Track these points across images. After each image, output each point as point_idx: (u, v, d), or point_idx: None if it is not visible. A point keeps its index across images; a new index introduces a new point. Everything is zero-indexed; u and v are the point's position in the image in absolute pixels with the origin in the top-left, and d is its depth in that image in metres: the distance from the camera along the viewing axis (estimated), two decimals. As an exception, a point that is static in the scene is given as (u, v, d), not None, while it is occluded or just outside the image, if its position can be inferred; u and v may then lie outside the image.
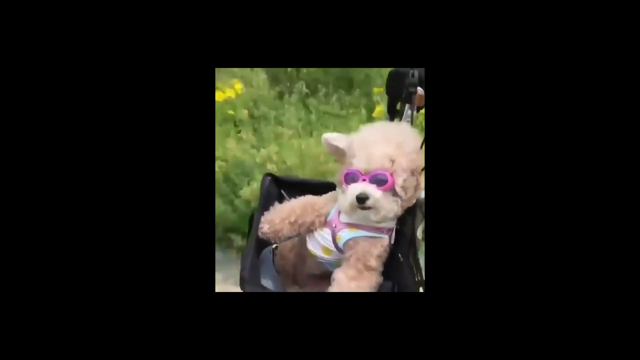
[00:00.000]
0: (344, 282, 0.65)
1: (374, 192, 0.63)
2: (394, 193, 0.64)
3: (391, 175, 0.64)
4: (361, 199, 0.63)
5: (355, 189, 0.63)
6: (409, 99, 0.72)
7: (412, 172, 0.64)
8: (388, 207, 0.64)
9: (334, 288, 0.66)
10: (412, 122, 0.72)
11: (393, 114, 0.77)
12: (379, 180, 0.63)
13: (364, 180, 0.64)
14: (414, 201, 0.66)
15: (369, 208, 0.63)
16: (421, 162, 0.64)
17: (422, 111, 0.75)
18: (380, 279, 0.65)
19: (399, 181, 0.63)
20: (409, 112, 0.73)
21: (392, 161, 0.64)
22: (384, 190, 0.63)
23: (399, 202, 0.64)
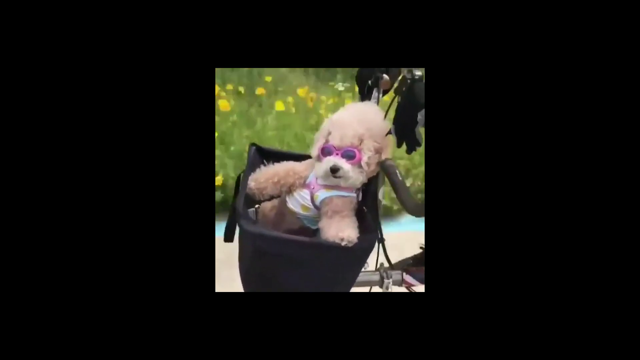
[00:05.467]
0: (328, 226, 0.77)
1: (344, 165, 0.78)
2: (360, 166, 0.79)
3: (359, 152, 0.78)
4: (334, 170, 0.78)
5: (329, 161, 0.78)
6: (376, 83, 0.92)
7: (376, 151, 0.79)
8: (355, 177, 0.79)
9: (324, 233, 0.77)
10: (377, 103, 0.92)
11: (363, 96, 0.95)
12: (348, 155, 0.78)
13: (337, 154, 0.79)
14: (376, 172, 0.82)
15: (339, 177, 0.78)
16: (385, 141, 0.80)
17: (387, 96, 0.92)
18: (355, 223, 0.79)
19: (364, 158, 0.78)
20: (376, 94, 0.92)
21: (361, 140, 0.78)
22: (352, 164, 0.78)
23: (364, 173, 0.80)
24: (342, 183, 0.80)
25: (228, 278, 1.00)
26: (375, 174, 0.82)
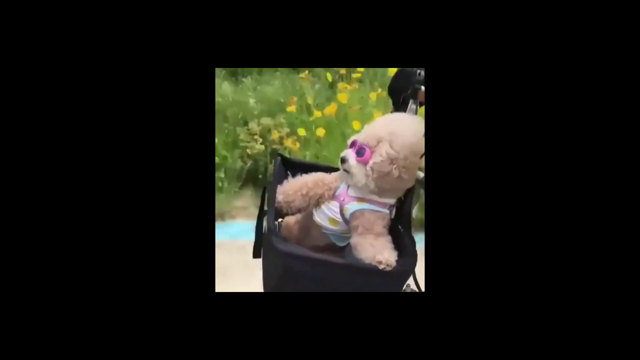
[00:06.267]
0: (364, 245, 0.73)
1: (351, 159, 0.75)
2: (367, 167, 0.74)
3: (371, 152, 0.73)
4: (342, 160, 0.76)
5: (345, 152, 0.77)
6: (414, 94, 0.82)
7: (391, 160, 0.72)
8: (358, 176, 0.74)
9: (358, 252, 0.73)
10: (415, 114, 0.83)
11: (398, 107, 0.86)
12: (359, 152, 0.74)
13: (353, 148, 0.76)
14: (392, 185, 0.75)
15: (346, 171, 0.75)
16: (408, 155, 0.73)
17: (422, 108, 0.85)
18: (391, 243, 0.74)
19: (371, 160, 0.73)
20: (414, 106, 0.83)
21: (378, 142, 0.73)
22: (359, 161, 0.74)
23: (370, 177, 0.73)
24: (349, 180, 0.77)
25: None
26: (390, 186, 0.75)
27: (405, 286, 0.82)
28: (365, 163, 0.74)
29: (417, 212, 0.87)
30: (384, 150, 0.72)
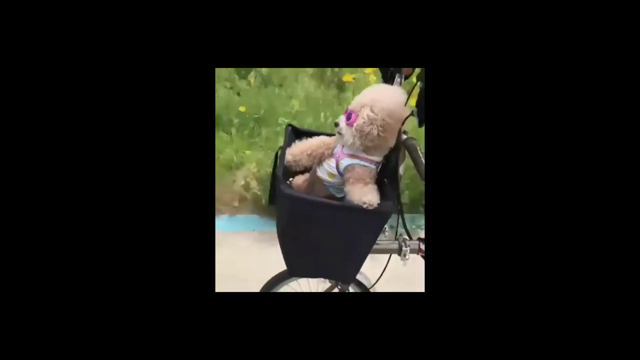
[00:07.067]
0: (354, 190, 0.87)
1: (342, 123, 0.91)
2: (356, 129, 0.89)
3: (356, 116, 0.88)
4: (335, 123, 0.92)
5: (339, 117, 0.92)
6: (398, 69, 1.01)
7: (371, 121, 0.86)
8: (347, 136, 0.89)
9: (349, 196, 0.88)
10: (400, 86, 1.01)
11: (386, 81, 1.04)
12: (348, 116, 0.89)
13: (345, 114, 0.91)
14: (375, 143, 0.89)
15: (339, 133, 0.91)
16: (388, 118, 0.87)
17: (409, 80, 1.04)
18: (376, 189, 0.89)
19: (357, 122, 0.88)
20: (398, 80, 1.02)
21: (362, 107, 0.88)
22: (348, 125, 0.89)
23: (356, 136, 0.88)
24: (341, 140, 0.91)
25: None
26: (373, 144, 0.89)
27: (397, 235, 0.95)
28: (351, 125, 0.88)
29: (403, 170, 1.03)
30: (365, 114, 0.87)
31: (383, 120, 0.87)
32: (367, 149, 0.90)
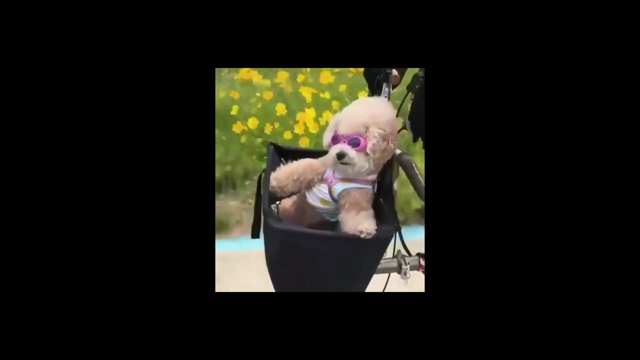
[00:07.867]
0: (348, 218, 0.82)
1: (350, 152, 0.81)
2: (366, 153, 0.82)
3: (364, 139, 0.81)
4: (340, 156, 0.81)
5: (337, 148, 0.82)
6: (387, 78, 0.95)
7: (383, 138, 0.82)
8: (361, 163, 0.82)
9: (343, 225, 0.83)
10: (389, 98, 0.95)
11: (373, 91, 0.98)
12: (354, 143, 0.81)
13: (344, 142, 0.82)
14: (385, 160, 0.85)
15: (346, 164, 0.82)
16: (392, 130, 0.83)
17: (395, 90, 0.98)
18: (372, 215, 0.84)
19: (369, 144, 0.81)
20: (387, 89, 0.95)
21: (367, 128, 0.81)
22: (358, 151, 0.81)
23: (370, 160, 0.82)
24: (349, 170, 0.83)
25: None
26: (384, 161, 0.85)
27: (396, 252, 0.91)
28: (363, 149, 0.82)
29: (397, 185, 0.97)
30: (375, 132, 0.81)
31: (392, 133, 0.83)
32: (377, 168, 0.86)
